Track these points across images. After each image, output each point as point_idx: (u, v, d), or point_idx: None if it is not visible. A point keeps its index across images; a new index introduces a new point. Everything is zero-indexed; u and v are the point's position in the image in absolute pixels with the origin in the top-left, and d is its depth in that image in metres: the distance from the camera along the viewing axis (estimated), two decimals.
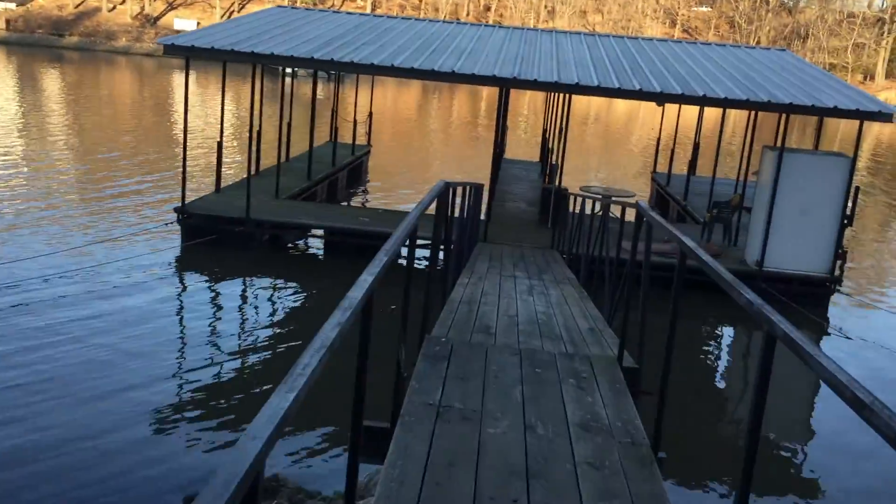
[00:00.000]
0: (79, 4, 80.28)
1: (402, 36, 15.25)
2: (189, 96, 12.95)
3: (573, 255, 10.97)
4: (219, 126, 13.74)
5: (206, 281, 11.80)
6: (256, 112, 16.08)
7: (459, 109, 52.23)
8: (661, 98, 12.45)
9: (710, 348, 11.36)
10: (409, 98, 56.51)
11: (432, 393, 4.39)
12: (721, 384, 10.34)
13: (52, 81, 43.17)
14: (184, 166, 13.17)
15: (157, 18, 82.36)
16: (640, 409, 4.54)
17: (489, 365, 5.00)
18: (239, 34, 13.84)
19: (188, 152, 13.46)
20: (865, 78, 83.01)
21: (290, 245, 13.88)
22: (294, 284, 12.12)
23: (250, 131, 13.50)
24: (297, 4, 79.35)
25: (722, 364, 11.06)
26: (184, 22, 75.11)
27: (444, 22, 17.69)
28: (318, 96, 21.29)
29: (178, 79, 49.99)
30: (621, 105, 61.40)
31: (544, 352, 5.49)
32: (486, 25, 17.68)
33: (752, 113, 16.36)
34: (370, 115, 23.15)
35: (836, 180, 12.05)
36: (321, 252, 13.81)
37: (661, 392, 4.23)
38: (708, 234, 14.12)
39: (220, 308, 10.85)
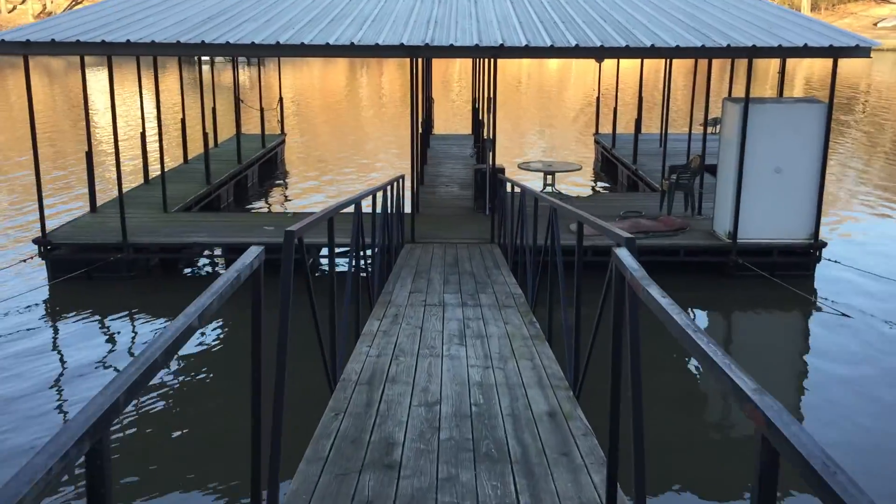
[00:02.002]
0: None
1: (296, 6, 13.04)
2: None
3: (517, 248, 9.07)
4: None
5: (77, 332, 9.35)
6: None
7: (390, 83, 49.85)
8: (601, 53, 10.54)
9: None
10: (336, 75, 53.88)
11: None
12: None
13: None
14: (38, 188, 10.85)
15: None
16: None
17: None
18: (95, 21, 11.51)
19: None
20: None
21: (186, 268, 11.75)
22: None
23: (115, 135, 11.20)
24: None
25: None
26: None
27: None
28: (239, 83, 18.98)
29: (92, 77, 46.53)
30: (553, 62, 59.60)
31: None
32: None
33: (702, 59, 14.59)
34: (280, 100, 20.85)
35: (813, 130, 10.31)
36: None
37: None
38: (668, 204, 12.33)
39: (93, 367, 8.50)
